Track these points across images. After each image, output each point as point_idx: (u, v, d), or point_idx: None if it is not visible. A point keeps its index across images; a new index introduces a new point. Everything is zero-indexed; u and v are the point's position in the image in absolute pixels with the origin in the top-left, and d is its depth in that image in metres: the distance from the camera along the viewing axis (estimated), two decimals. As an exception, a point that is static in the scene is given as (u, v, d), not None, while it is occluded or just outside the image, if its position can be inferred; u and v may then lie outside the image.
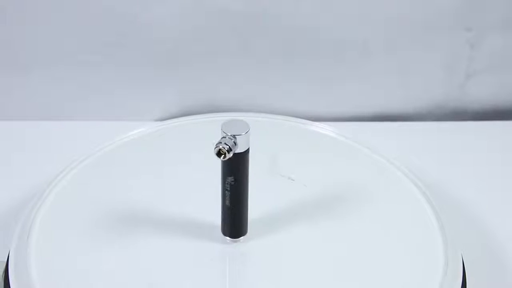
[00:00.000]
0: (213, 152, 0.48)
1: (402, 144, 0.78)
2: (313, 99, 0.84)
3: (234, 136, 0.49)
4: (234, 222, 0.54)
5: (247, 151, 0.51)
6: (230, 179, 0.52)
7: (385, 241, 0.55)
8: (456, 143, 0.79)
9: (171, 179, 0.61)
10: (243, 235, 0.55)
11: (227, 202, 0.53)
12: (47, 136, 0.79)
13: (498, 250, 0.63)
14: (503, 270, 0.61)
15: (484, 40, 0.81)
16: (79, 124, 0.81)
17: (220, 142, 0.49)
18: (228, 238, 0.55)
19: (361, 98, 0.84)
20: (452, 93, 0.84)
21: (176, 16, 0.77)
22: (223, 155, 0.48)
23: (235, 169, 0.51)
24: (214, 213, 0.55)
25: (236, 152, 0.49)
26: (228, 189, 0.52)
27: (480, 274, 0.58)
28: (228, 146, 0.48)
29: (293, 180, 0.60)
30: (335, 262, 0.54)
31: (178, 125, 0.69)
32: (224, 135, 0.49)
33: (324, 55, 0.81)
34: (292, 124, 0.70)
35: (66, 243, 0.54)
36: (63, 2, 0.76)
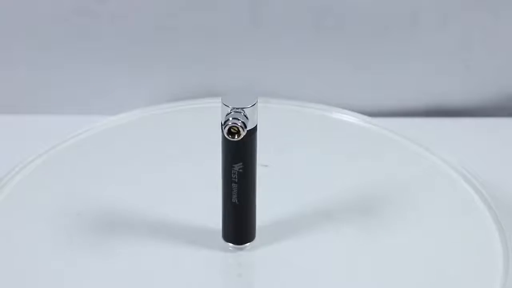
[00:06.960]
0: (223, 133, 0.45)
1: (462, 143, 0.74)
2: (342, 86, 0.78)
3: (241, 109, 0.45)
4: (241, 224, 0.50)
5: (255, 129, 0.47)
6: (237, 166, 0.48)
7: (429, 255, 0.51)
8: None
9: (159, 173, 0.59)
10: (250, 241, 0.51)
11: (234, 198, 0.49)
12: (7, 130, 0.77)
13: None
14: None
15: None
16: (45, 117, 0.78)
17: (228, 119, 0.45)
18: (230, 244, 0.51)
19: (408, 86, 0.79)
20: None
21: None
22: (236, 134, 0.45)
23: (243, 153, 0.47)
24: (211, 214, 0.52)
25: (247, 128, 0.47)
26: (236, 180, 0.48)
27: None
28: (240, 121, 0.45)
29: (266, 166, 0.57)
30: (360, 276, 0.50)
31: (170, 111, 0.67)
32: (228, 109, 0.46)
33: (360, 30, 0.75)
34: (311, 111, 0.66)
35: (28, 249, 0.51)
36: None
